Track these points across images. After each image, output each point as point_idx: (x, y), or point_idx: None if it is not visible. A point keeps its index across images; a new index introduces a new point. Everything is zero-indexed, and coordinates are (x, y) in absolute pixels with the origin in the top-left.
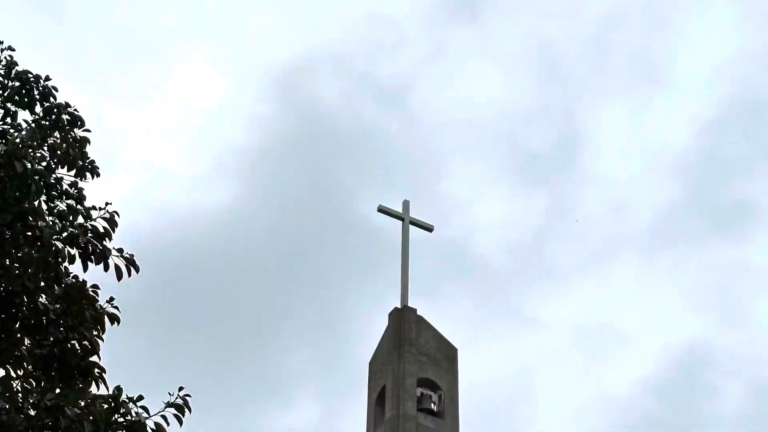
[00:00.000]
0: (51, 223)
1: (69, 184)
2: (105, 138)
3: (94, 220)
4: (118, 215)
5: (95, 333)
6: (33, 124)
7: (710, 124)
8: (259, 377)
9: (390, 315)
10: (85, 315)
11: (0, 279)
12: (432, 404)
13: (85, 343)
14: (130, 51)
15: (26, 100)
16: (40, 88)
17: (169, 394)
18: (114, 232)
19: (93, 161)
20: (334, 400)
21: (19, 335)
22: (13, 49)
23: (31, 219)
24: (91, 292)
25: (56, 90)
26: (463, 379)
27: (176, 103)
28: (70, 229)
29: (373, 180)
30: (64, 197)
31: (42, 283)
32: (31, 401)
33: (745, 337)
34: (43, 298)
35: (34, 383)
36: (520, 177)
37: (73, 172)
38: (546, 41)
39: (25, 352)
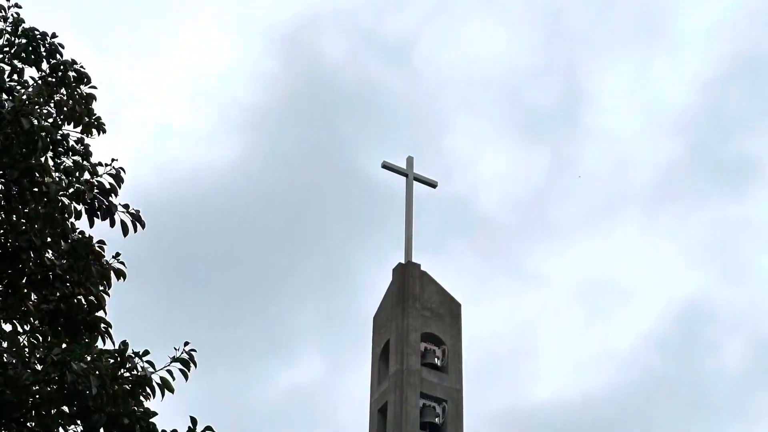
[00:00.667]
0: (57, 179)
1: (75, 141)
2: (111, 95)
3: (101, 176)
4: (124, 171)
5: (101, 288)
6: (39, 81)
7: (712, 81)
8: (264, 332)
9: (394, 270)
10: (92, 270)
11: (7, 234)
12: (436, 359)
13: (92, 298)
14: (136, 8)
15: (33, 57)
16: (47, 45)
17: (175, 349)
18: (120, 187)
19: (99, 118)
20: (338, 356)
21: (25, 290)
22: (20, 7)
23: (37, 175)
24: (97, 248)
25: (62, 47)
26: (466, 334)
27: (182, 60)
28: (77, 185)
29: (377, 136)
30: (70, 153)
31: (48, 239)
32: (38, 356)
33: (747, 293)
34: (49, 254)
35: (40, 338)
36: (522, 133)
37: (79, 129)
38: None
39: (31, 308)
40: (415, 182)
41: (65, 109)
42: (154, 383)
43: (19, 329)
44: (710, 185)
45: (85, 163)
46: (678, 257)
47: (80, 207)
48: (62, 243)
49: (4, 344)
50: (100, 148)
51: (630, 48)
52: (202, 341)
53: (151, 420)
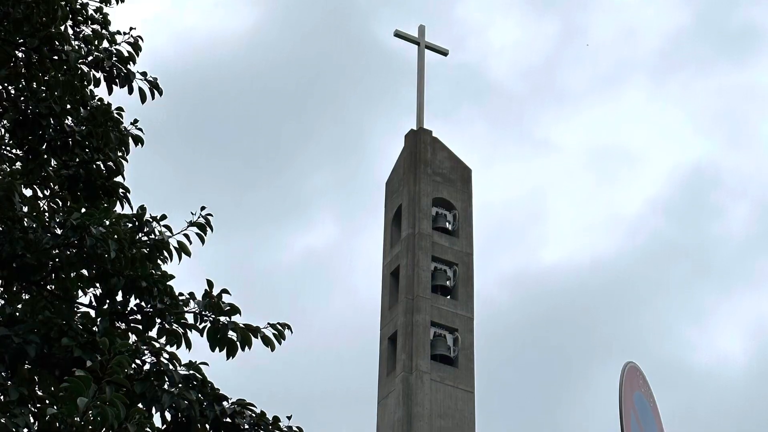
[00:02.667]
0: (77, 47)
1: (94, 10)
2: None
3: (119, 44)
4: (142, 39)
5: (119, 154)
6: None
7: None
8: (279, 197)
9: (406, 137)
10: (110, 136)
11: (27, 102)
12: (447, 223)
13: (110, 164)
14: None
15: None
16: None
17: (192, 213)
18: (138, 56)
19: None
20: (351, 220)
21: (45, 156)
22: None
23: (57, 43)
24: (115, 114)
25: None
26: (477, 199)
27: None
28: (96, 53)
29: (390, 5)
30: (89, 22)
31: (68, 106)
32: (58, 220)
33: (752, 159)
34: (69, 120)
35: (60, 203)
36: (532, 2)
37: None
38: None
39: (51, 173)
40: (426, 50)
41: None
42: (171, 247)
43: (39, 194)
44: (716, 53)
45: (103, 31)
46: (684, 123)
47: (99, 75)
48: (81, 110)
49: (25, 209)
50: (118, 16)
51: None
52: (218, 206)
53: (168, 283)
